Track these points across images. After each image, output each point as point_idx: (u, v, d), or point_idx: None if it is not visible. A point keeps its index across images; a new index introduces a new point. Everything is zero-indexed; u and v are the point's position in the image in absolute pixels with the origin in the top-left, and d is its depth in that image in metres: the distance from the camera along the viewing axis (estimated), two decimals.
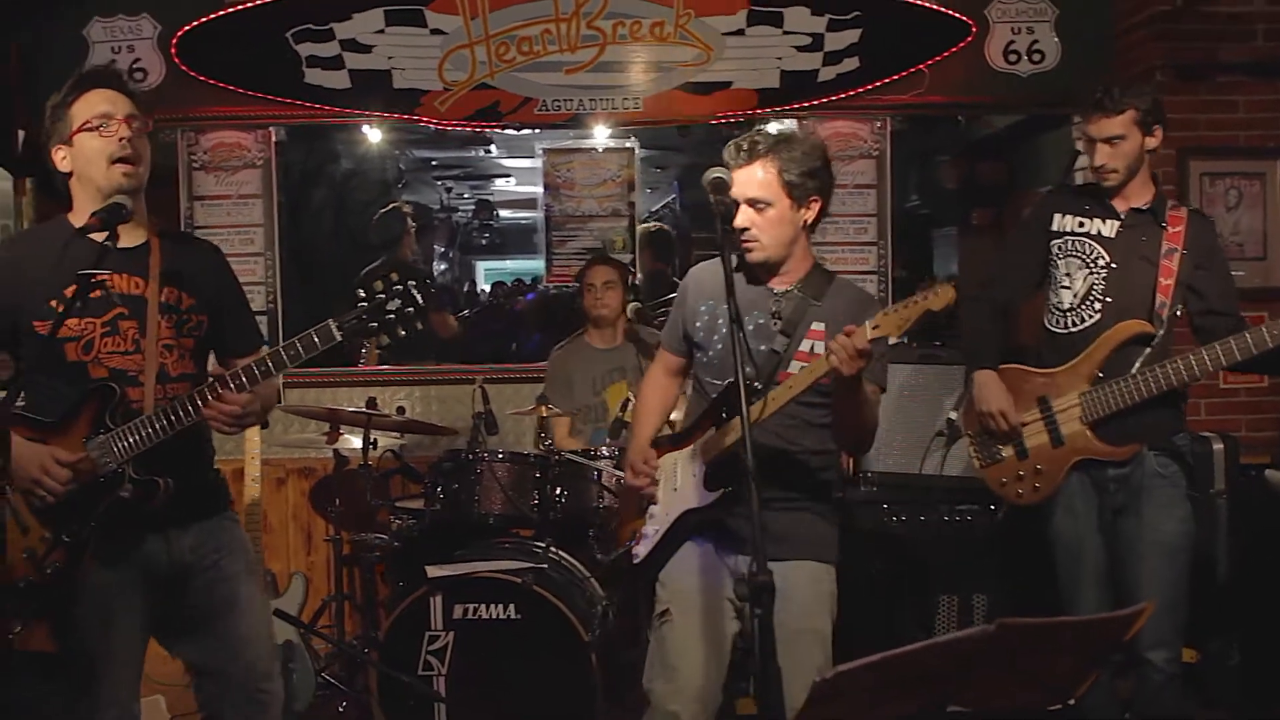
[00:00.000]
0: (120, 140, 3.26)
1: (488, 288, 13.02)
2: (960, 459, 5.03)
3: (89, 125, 3.26)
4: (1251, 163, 5.89)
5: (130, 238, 3.37)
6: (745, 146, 3.49)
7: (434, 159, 11.06)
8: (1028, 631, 2.40)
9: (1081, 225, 4.26)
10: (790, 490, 3.50)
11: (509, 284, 12.27)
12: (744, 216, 3.49)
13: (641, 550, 3.67)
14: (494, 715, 4.60)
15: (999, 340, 4.43)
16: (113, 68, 3.45)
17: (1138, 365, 4.07)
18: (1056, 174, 6.96)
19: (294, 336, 3.25)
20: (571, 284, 7.15)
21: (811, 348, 3.48)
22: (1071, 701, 2.67)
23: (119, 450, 3.23)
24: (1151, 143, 4.16)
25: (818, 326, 3.49)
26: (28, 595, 3.26)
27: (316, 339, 3.22)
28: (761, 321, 3.54)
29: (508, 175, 11.76)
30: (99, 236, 3.24)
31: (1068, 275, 4.25)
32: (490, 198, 12.78)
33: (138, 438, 3.23)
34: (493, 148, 10.07)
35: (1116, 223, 4.21)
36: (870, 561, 5.06)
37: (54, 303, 3.25)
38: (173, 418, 3.24)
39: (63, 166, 3.34)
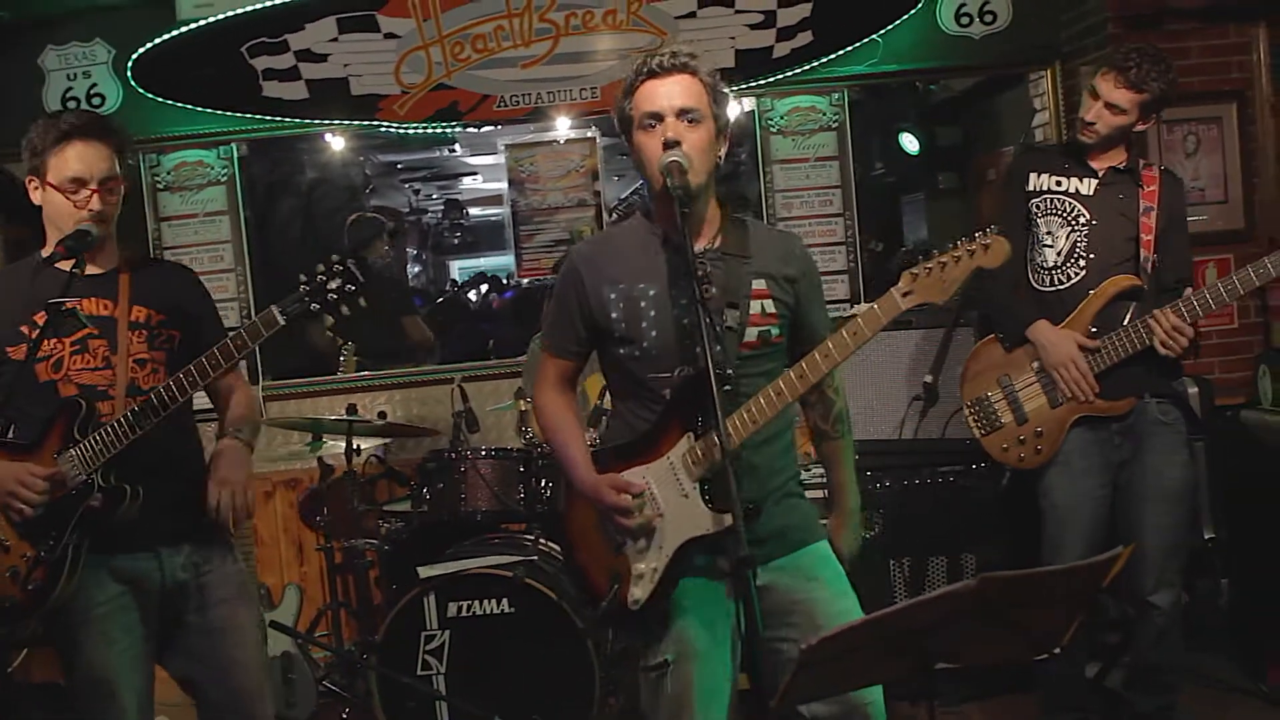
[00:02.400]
0: (88, 210, 3.33)
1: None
2: (938, 422, 5.07)
3: (61, 188, 3.33)
4: (1207, 107, 5.92)
5: (99, 265, 3.44)
6: (681, 57, 3.01)
7: (399, 162, 11.08)
8: (1009, 583, 2.43)
9: (1059, 184, 4.28)
10: (776, 478, 3.17)
11: (474, 276, 12.27)
12: (673, 129, 2.98)
13: (640, 593, 3.06)
14: (495, 709, 4.62)
15: (1016, 297, 4.37)
16: (93, 114, 3.47)
17: (1128, 318, 4.11)
18: (1017, 133, 7.00)
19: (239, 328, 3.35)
20: (545, 277, 7.18)
21: (763, 308, 3.09)
22: (1058, 650, 2.70)
23: (86, 460, 3.28)
24: (1141, 126, 4.19)
25: (759, 285, 3.09)
26: (13, 615, 3.32)
27: (261, 326, 3.29)
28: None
29: (474, 173, 11.79)
30: (66, 265, 3.31)
31: (1049, 234, 4.27)
32: (459, 197, 12.79)
33: (102, 445, 3.28)
34: (457, 147, 10.11)
35: (1095, 180, 4.24)
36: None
37: (25, 329, 3.33)
38: (132, 420, 3.27)
39: (35, 199, 3.40)
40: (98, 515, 3.30)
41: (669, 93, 2.99)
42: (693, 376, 3.01)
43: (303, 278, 3.30)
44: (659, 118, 2.99)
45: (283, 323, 3.28)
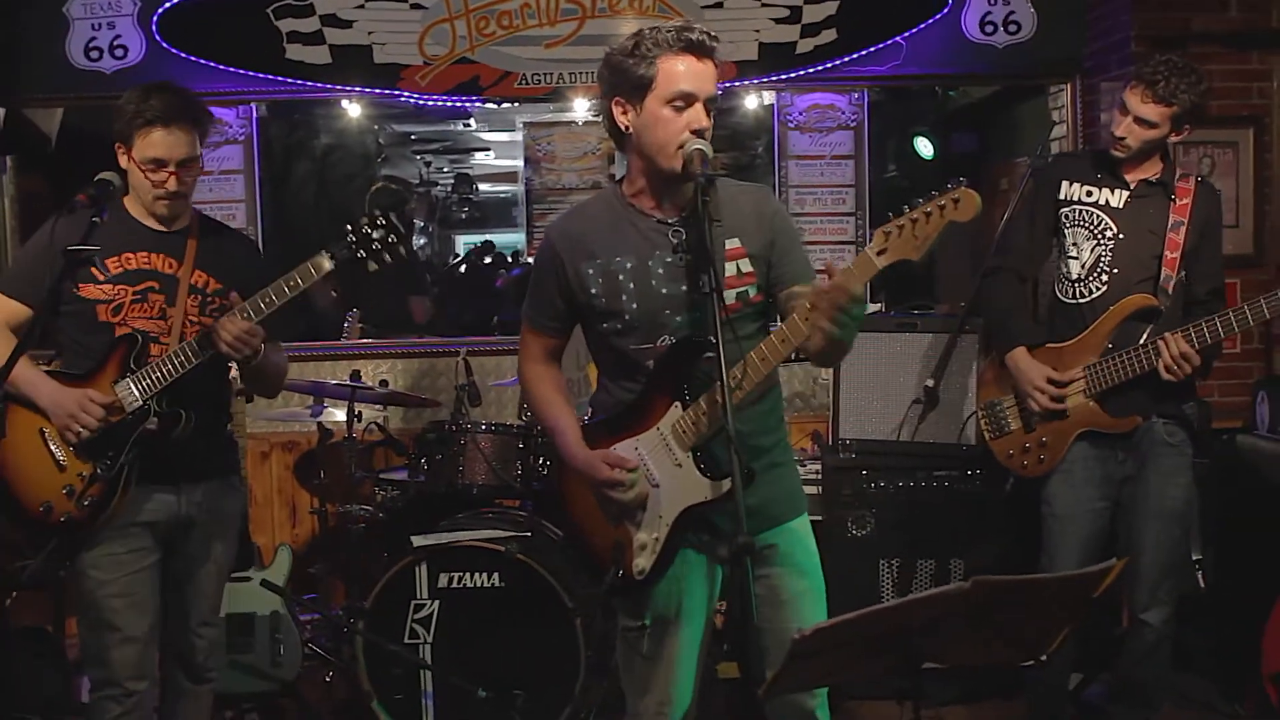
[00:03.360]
0: (165, 188, 3.61)
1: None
2: (937, 426, 5.10)
3: (142, 165, 3.59)
4: (1224, 131, 5.94)
5: (172, 226, 3.73)
6: (709, 39, 2.99)
7: (413, 133, 11.07)
8: (1001, 589, 2.46)
9: (1089, 194, 4.26)
10: (763, 441, 3.19)
11: (481, 244, 12.24)
12: (703, 116, 2.98)
13: (645, 563, 3.10)
14: (480, 682, 4.64)
15: (1022, 312, 4.46)
16: (180, 98, 3.62)
17: (1144, 339, 4.11)
18: (1033, 144, 7.01)
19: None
20: None
21: (738, 269, 3.08)
22: (1043, 658, 2.73)
23: (143, 388, 3.58)
24: (1174, 138, 4.16)
25: (732, 244, 3.07)
26: (69, 529, 3.61)
27: (311, 269, 3.57)
28: (670, 260, 3.08)
29: (487, 149, 11.76)
30: (144, 219, 3.70)
31: (1074, 245, 4.27)
32: (469, 171, 12.77)
33: (160, 374, 3.58)
34: (472, 121, 10.10)
35: (1126, 193, 4.22)
36: (848, 527, 5.13)
37: (95, 270, 3.63)
38: (190, 352, 3.57)
39: (121, 163, 3.64)
40: (153, 438, 3.60)
41: (707, 77, 2.98)
42: (675, 345, 3.06)
43: (349, 227, 3.61)
44: (692, 100, 2.96)
45: (330, 267, 3.59)
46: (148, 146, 3.56)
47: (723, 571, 3.23)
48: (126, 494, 3.60)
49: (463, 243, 14.26)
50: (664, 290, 3.08)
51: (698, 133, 2.96)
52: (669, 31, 2.96)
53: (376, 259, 3.63)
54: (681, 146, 2.96)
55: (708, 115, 2.99)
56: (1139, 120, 4.09)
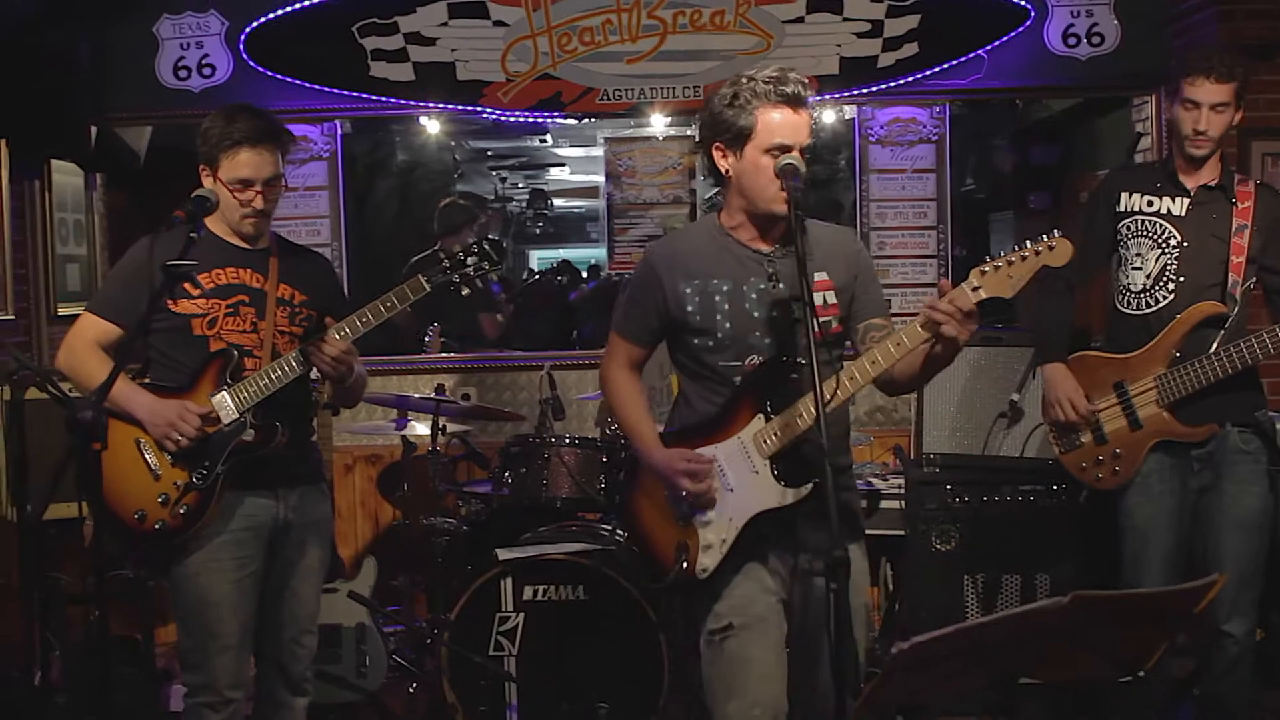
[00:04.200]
0: (253, 207, 3.73)
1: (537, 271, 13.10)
2: (1021, 440, 5.06)
3: (229, 185, 3.70)
4: None
5: (257, 244, 3.85)
6: (803, 89, 3.21)
7: (489, 149, 11.16)
8: (1101, 604, 2.44)
9: (1150, 204, 4.24)
10: (840, 468, 3.35)
11: (555, 265, 12.32)
12: (799, 161, 3.18)
13: (709, 562, 3.28)
14: (564, 694, 4.68)
15: (1067, 327, 4.45)
16: (264, 121, 3.74)
17: (1214, 346, 4.08)
18: (1116, 156, 6.95)
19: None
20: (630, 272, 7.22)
21: (824, 300, 3.28)
22: (1141, 674, 2.70)
23: (240, 401, 3.68)
24: (1238, 118, 4.15)
25: (820, 277, 3.28)
26: (162, 538, 3.69)
27: (409, 290, 3.70)
28: (763, 288, 3.28)
29: (562, 164, 11.84)
30: (223, 232, 3.80)
31: (1139, 255, 4.24)
32: (545, 187, 12.85)
33: (256, 388, 3.68)
34: (548, 137, 10.16)
35: (1187, 200, 4.20)
36: (933, 542, 5.10)
37: (189, 286, 3.71)
38: (285, 368, 3.69)
39: (205, 183, 3.74)
40: (250, 449, 3.70)
41: (802, 127, 3.21)
42: (764, 363, 3.27)
43: (442, 255, 3.75)
44: (788, 150, 3.18)
45: (428, 289, 3.71)
46: (235, 167, 3.67)
47: (804, 586, 3.31)
48: (220, 503, 3.68)
49: (537, 258, 14.36)
50: (756, 314, 3.28)
51: (802, 216, 3.13)
52: (766, 83, 3.18)
53: (469, 284, 3.76)
54: (780, 188, 3.16)
55: (803, 160, 3.18)
56: (1214, 107, 4.07)
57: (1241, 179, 4.23)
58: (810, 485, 3.18)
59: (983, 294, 2.96)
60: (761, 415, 3.24)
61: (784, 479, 3.21)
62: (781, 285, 3.26)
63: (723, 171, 3.32)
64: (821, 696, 3.20)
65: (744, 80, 3.22)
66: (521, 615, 4.76)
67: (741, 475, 3.26)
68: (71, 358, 3.75)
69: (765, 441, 3.22)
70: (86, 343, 3.74)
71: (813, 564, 3.19)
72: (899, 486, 5.34)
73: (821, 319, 3.22)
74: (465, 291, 3.77)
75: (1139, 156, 6.40)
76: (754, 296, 3.28)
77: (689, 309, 3.32)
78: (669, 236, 3.63)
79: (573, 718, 4.67)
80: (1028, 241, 2.99)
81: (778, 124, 3.18)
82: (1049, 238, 2.97)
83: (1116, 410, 4.26)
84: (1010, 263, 2.96)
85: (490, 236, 3.96)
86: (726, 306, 3.29)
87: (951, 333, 2.96)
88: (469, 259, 3.74)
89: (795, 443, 3.19)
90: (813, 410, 2.98)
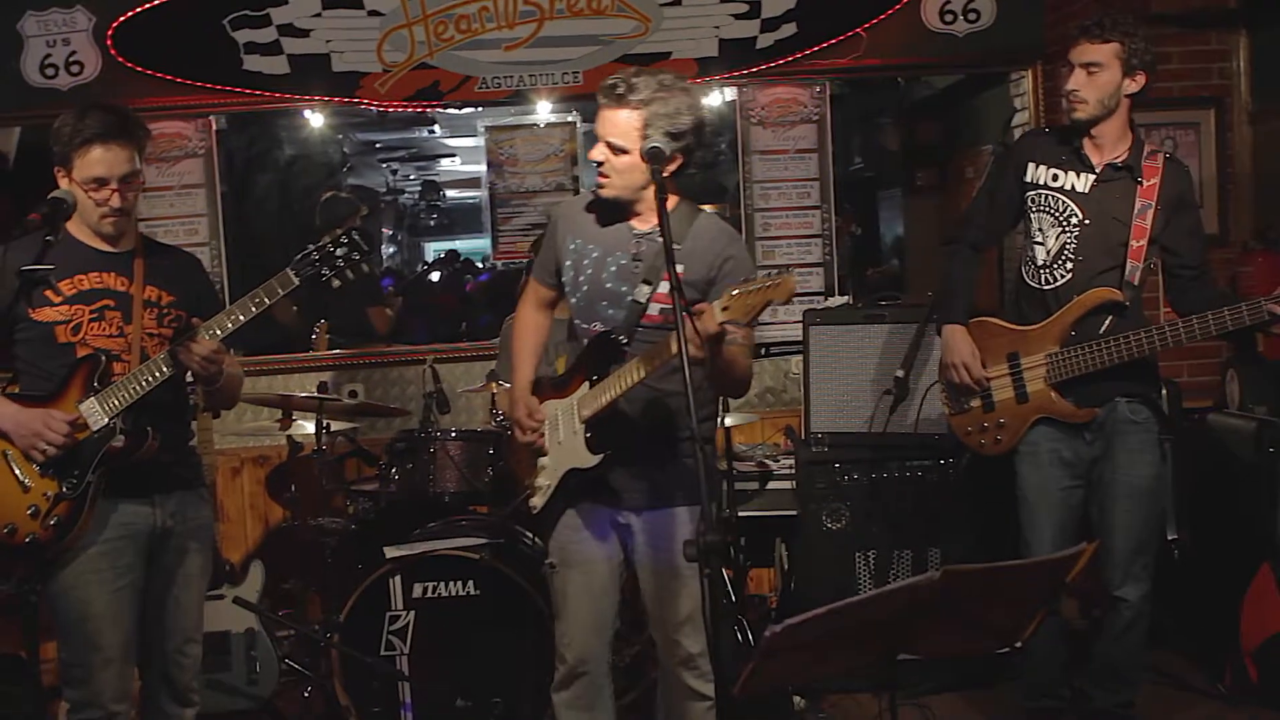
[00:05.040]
0: (109, 205, 3.60)
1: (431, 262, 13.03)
2: (905, 415, 5.09)
3: (84, 185, 3.58)
4: (1185, 113, 5.97)
5: (119, 246, 3.73)
6: (620, 90, 3.40)
7: (378, 141, 11.05)
8: (973, 577, 2.45)
9: (1055, 179, 4.22)
10: (656, 435, 3.56)
11: (446, 254, 12.24)
12: (599, 152, 3.47)
13: (538, 501, 3.69)
14: (458, 691, 4.63)
15: (971, 288, 4.47)
16: (117, 116, 3.62)
17: (1103, 330, 4.11)
18: (996, 132, 7.03)
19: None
20: (521, 259, 7.16)
21: (668, 289, 3.27)
22: (1019, 644, 2.72)
23: (108, 407, 3.57)
24: (1131, 86, 4.08)
25: (678, 268, 3.24)
26: (33, 551, 3.57)
27: (277, 285, 3.61)
28: (624, 262, 3.56)
29: (452, 155, 11.76)
30: (88, 240, 3.68)
31: (1040, 231, 4.25)
32: (436, 178, 12.75)
33: (125, 393, 3.58)
34: (436, 128, 10.08)
35: (1092, 177, 4.17)
36: (824, 520, 5.11)
37: (49, 293, 3.61)
38: (155, 371, 3.59)
39: (62, 185, 3.64)
40: (119, 456, 3.60)
41: (604, 121, 3.45)
42: (599, 335, 3.56)
43: (311, 246, 3.67)
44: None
45: (297, 283, 3.63)
46: (88, 166, 3.56)
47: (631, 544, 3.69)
48: (93, 512, 3.58)
49: (432, 250, 14.27)
50: (608, 285, 3.58)
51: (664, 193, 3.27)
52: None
53: (339, 276, 3.68)
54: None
55: (614, 154, 3.44)
56: (1086, 66, 4.06)
57: (1152, 154, 4.17)
58: (604, 454, 3.48)
59: (729, 315, 3.06)
60: (588, 383, 3.54)
61: (590, 445, 3.51)
62: (640, 265, 3.52)
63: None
64: (672, 635, 3.60)
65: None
66: (412, 613, 4.69)
67: (566, 434, 3.59)
68: None
69: (585, 408, 3.52)
70: None
71: (685, 549, 3.18)
72: (790, 467, 5.35)
73: (665, 306, 3.43)
74: (336, 284, 3.68)
75: (1015, 132, 6.47)
76: (614, 269, 3.56)
77: (566, 263, 3.65)
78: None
79: (468, 714, 4.62)
80: (763, 275, 3.09)
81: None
82: (775, 276, 3.03)
83: (1007, 381, 4.29)
84: (750, 292, 3.04)
85: (357, 227, 3.86)
86: (590, 271, 3.60)
87: (693, 353, 3.02)
88: (338, 250, 3.65)
89: (609, 414, 3.47)
90: (622, 386, 3.37)
